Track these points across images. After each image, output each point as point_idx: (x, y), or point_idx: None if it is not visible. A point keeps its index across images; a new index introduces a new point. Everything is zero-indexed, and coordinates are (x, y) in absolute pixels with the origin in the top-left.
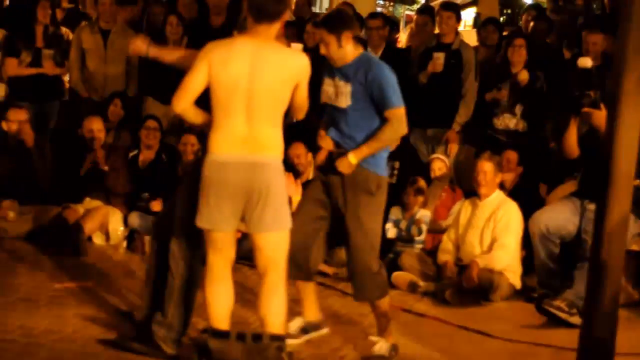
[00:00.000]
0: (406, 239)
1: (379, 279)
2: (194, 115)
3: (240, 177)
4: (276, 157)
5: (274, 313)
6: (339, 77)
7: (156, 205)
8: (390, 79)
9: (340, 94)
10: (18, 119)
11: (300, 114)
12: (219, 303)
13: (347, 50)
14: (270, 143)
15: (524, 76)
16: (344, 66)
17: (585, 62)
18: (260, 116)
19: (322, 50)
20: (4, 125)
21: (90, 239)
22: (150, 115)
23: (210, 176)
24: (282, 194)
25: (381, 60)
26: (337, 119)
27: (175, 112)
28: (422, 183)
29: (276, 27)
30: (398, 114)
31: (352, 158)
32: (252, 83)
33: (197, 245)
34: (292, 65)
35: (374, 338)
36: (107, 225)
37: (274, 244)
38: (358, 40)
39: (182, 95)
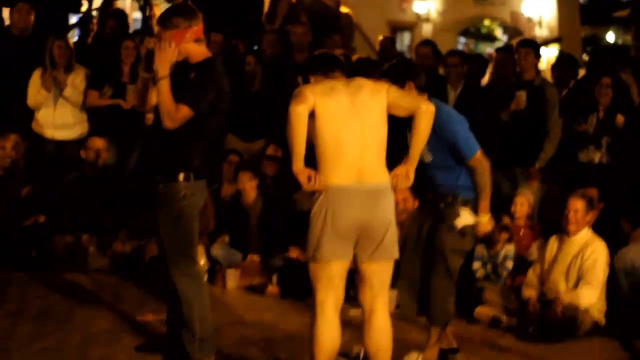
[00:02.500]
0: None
1: (448, 306)
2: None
3: (365, 205)
4: (389, 183)
5: (386, 348)
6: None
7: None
8: (457, 124)
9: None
10: (96, 147)
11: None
12: (328, 349)
13: None
14: (384, 170)
15: (620, 120)
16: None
17: None
18: (372, 148)
19: None
20: (82, 154)
21: None
22: (233, 150)
23: (331, 206)
24: (395, 220)
25: (445, 104)
26: (427, 172)
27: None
28: (506, 220)
29: None
30: (477, 158)
31: (484, 217)
32: (360, 115)
33: (187, 259)
34: (382, 91)
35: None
36: None
37: (389, 272)
38: (436, 78)
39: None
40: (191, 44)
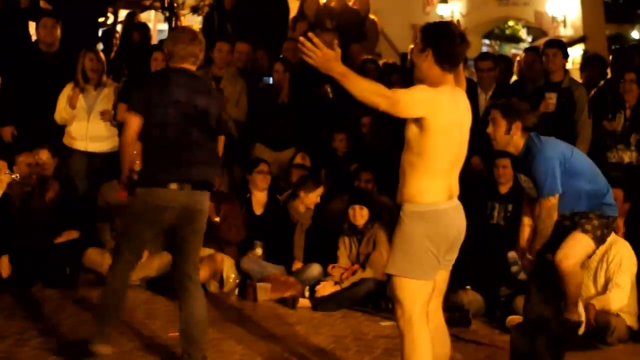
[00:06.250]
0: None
1: None
2: None
3: (456, 222)
4: None
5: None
6: (520, 171)
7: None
8: (541, 165)
9: (530, 188)
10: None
11: None
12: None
13: (514, 139)
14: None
15: None
16: (520, 159)
17: None
18: (460, 164)
19: (489, 129)
20: None
21: (204, 286)
22: (262, 159)
23: (430, 226)
24: None
25: (543, 141)
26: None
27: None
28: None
29: None
30: (544, 204)
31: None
32: (461, 133)
33: None
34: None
35: None
36: (220, 272)
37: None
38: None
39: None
40: None
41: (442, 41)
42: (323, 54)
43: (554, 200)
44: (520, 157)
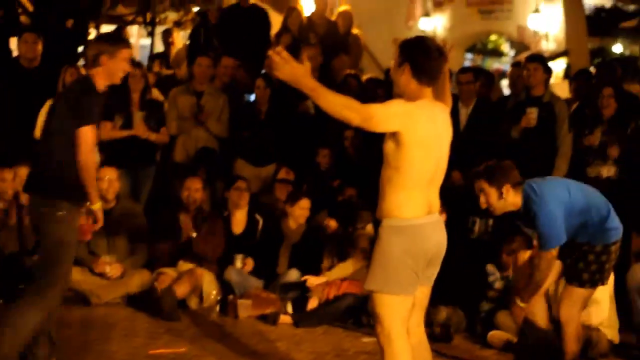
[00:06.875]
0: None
1: None
2: None
3: (435, 237)
4: None
5: None
6: (525, 225)
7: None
8: (544, 220)
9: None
10: (107, 177)
11: None
12: None
13: (509, 200)
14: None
15: None
16: (522, 214)
17: None
18: (439, 178)
19: (481, 200)
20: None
21: (184, 302)
22: (239, 176)
23: (408, 241)
24: None
25: (539, 194)
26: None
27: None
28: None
29: None
30: (545, 256)
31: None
32: (440, 147)
33: None
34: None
35: None
36: (200, 287)
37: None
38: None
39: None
40: None
41: (419, 55)
42: (291, 68)
43: (554, 253)
44: (522, 211)
